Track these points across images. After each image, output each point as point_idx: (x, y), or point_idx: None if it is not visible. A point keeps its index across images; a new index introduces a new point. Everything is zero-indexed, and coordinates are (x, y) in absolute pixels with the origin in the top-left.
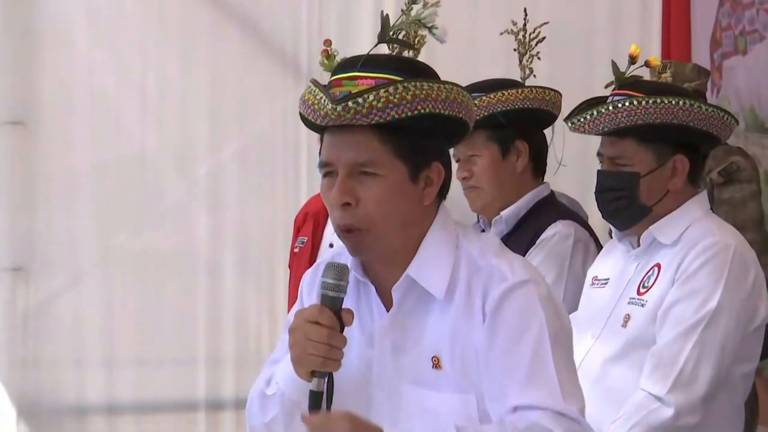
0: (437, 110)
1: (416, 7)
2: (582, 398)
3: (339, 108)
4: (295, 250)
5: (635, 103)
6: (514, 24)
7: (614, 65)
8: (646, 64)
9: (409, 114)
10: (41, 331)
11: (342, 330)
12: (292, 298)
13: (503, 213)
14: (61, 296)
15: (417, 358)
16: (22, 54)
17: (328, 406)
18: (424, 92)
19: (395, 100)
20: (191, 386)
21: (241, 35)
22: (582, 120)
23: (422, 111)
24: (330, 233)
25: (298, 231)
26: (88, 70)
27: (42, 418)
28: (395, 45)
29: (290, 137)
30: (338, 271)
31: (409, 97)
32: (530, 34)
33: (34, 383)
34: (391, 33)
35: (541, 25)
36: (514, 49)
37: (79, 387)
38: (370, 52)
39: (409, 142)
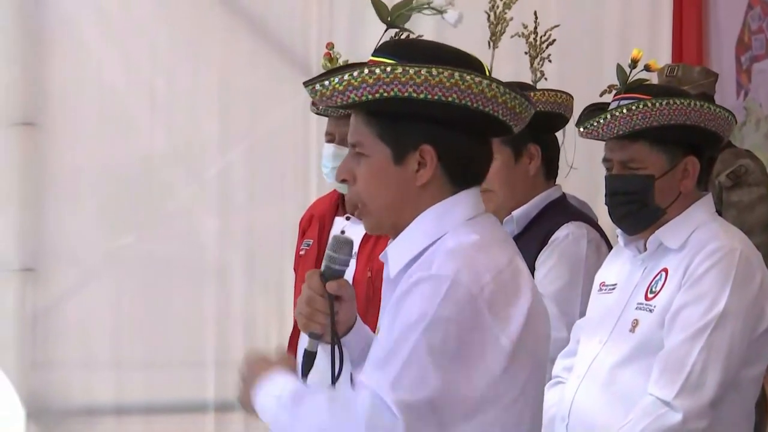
0: (405, 93)
1: None
2: (417, 394)
3: (308, 89)
4: (301, 252)
5: (648, 105)
6: (525, 27)
7: (620, 69)
8: (646, 68)
9: (369, 97)
10: (50, 332)
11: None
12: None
13: (514, 213)
14: (70, 297)
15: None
16: (33, 55)
17: (339, 372)
18: (391, 76)
19: (355, 83)
20: (200, 388)
21: (251, 35)
22: (595, 124)
23: (384, 94)
24: None
25: (303, 233)
26: (97, 70)
27: (51, 419)
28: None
29: (299, 138)
30: (335, 243)
31: (371, 81)
32: (541, 37)
33: (43, 384)
34: (389, 18)
35: (552, 28)
36: (525, 52)
37: (88, 388)
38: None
39: (391, 124)
